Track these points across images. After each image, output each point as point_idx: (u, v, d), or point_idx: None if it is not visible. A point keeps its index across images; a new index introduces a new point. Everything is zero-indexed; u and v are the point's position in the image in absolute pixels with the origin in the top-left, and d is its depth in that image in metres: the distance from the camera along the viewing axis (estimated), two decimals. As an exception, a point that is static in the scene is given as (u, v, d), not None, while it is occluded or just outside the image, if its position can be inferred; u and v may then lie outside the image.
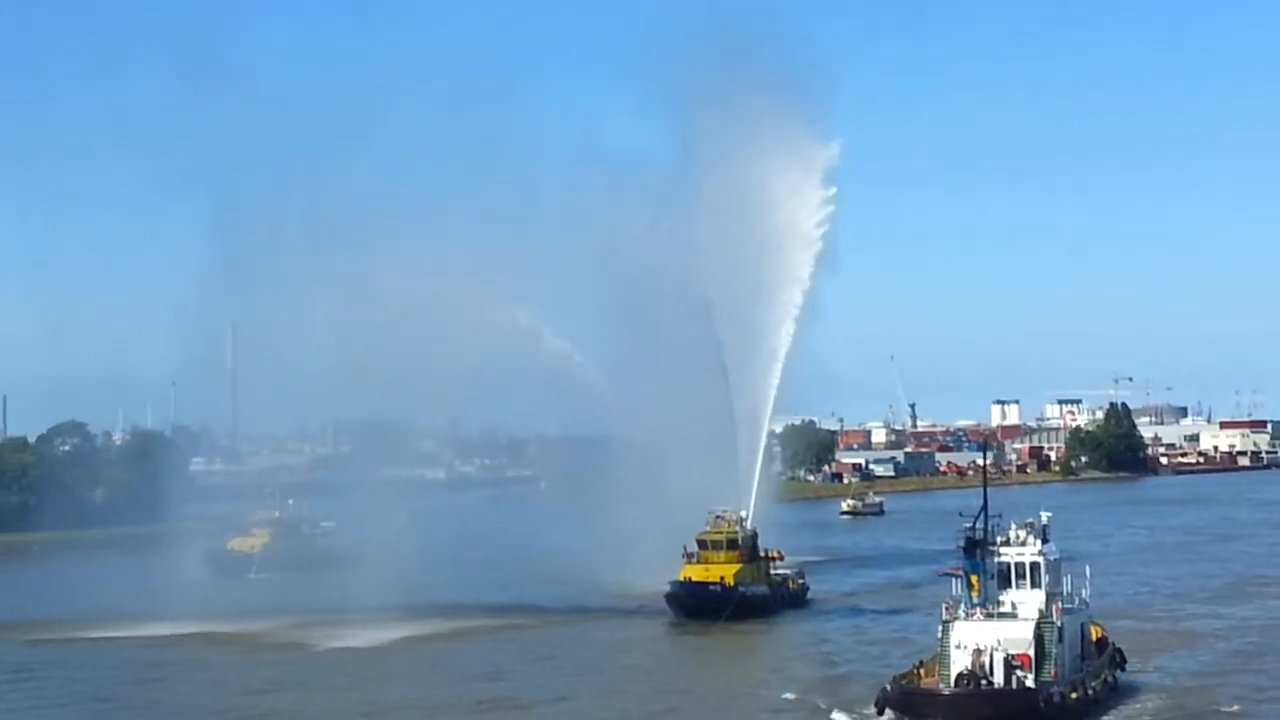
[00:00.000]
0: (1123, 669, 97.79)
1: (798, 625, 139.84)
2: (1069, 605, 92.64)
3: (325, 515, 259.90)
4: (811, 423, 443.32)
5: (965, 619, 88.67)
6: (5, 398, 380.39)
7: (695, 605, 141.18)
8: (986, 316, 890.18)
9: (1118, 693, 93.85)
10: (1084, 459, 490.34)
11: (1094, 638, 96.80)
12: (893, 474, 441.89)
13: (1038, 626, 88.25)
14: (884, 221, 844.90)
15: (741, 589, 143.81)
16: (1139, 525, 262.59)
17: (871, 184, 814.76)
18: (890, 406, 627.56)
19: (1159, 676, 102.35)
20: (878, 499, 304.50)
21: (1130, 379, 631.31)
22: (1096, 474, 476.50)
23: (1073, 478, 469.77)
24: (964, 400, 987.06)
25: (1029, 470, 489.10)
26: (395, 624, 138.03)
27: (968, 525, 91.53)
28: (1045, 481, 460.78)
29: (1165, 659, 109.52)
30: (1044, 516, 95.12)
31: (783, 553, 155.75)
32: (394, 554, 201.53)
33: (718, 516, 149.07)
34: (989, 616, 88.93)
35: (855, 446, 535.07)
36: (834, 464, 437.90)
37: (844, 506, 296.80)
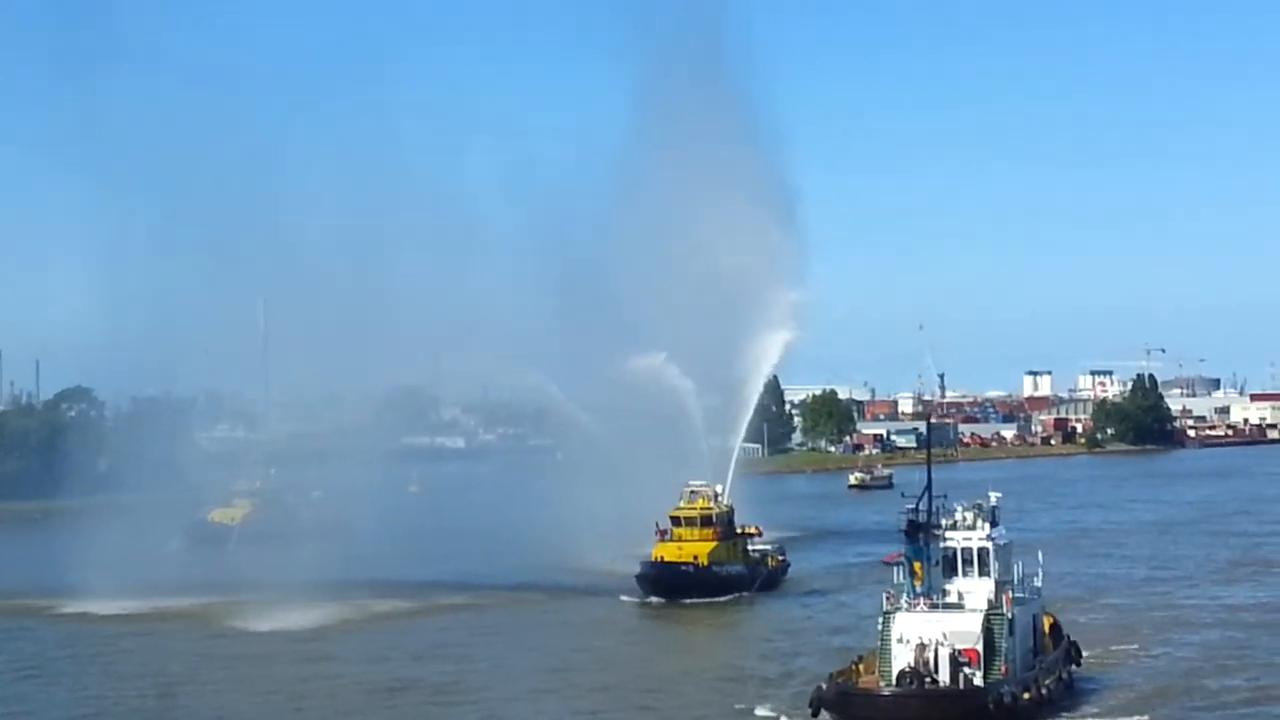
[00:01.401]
0: (1077, 664, 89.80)
1: (771, 606, 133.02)
2: (1020, 594, 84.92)
3: (330, 485, 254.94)
4: (833, 392, 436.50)
5: (907, 610, 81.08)
6: (38, 362, 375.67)
7: (666, 585, 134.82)
8: (1022, 287, 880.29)
9: (1073, 691, 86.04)
10: (1110, 431, 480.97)
11: (1047, 630, 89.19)
12: (914, 445, 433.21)
13: (986, 619, 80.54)
14: (918, 192, 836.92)
15: (716, 568, 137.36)
16: (1152, 500, 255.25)
17: (903, 154, 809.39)
18: (919, 376, 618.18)
19: (1121, 673, 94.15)
20: (887, 472, 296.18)
21: (1163, 350, 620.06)
22: (1123, 446, 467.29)
23: (1098, 450, 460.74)
24: (996, 371, 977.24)
25: (1054, 442, 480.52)
26: (355, 600, 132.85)
27: (909, 506, 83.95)
28: (1070, 454, 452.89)
29: (1130, 651, 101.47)
30: (993, 497, 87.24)
31: (761, 529, 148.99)
32: (379, 527, 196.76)
33: (692, 492, 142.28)
34: (933, 607, 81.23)
35: (881, 417, 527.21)
36: (855, 435, 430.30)
37: (852, 479, 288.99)
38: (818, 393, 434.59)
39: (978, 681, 79.26)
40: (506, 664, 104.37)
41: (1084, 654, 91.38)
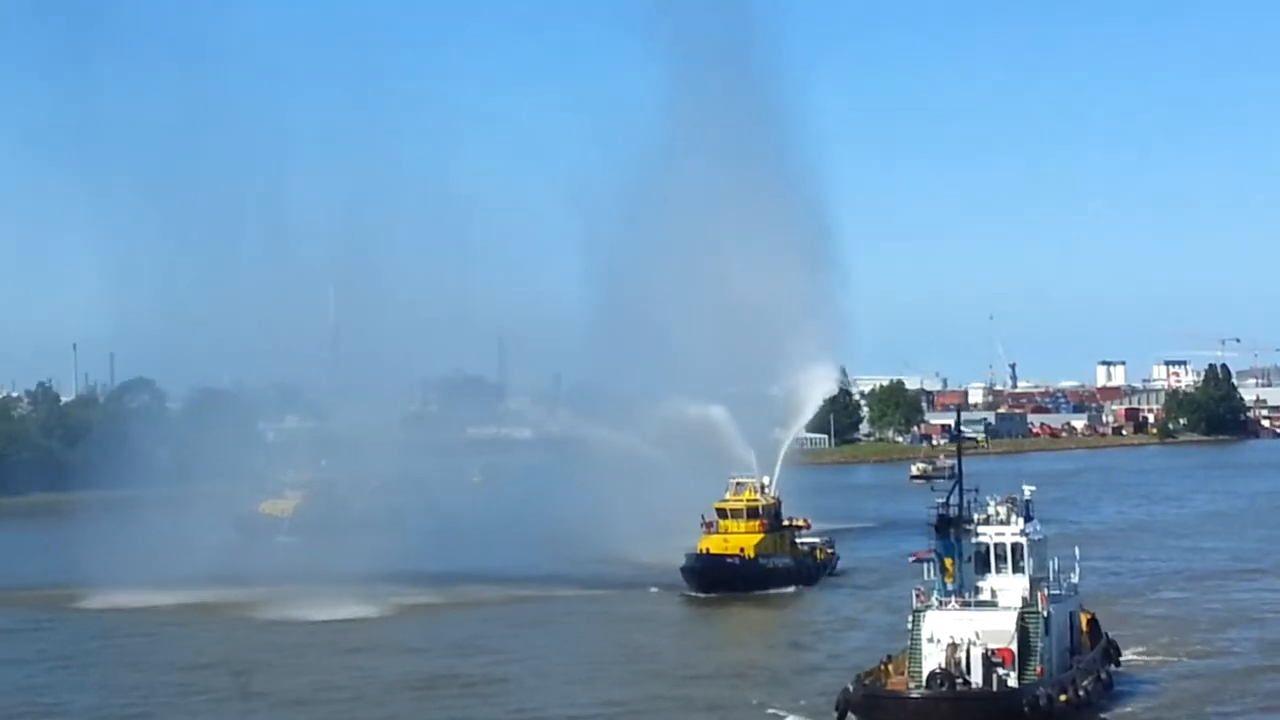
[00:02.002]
0: (1117, 664, 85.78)
1: (818, 599, 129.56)
2: (1056, 591, 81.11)
3: (393, 476, 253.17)
4: (900, 383, 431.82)
5: (938, 608, 77.51)
6: (112, 355, 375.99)
7: (712, 578, 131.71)
8: (1098, 276, 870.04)
9: (1112, 692, 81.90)
10: (1182, 421, 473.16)
11: (1084, 628, 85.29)
12: (983, 435, 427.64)
13: (1021, 617, 76.82)
14: (993, 180, 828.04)
15: (762, 560, 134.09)
16: (1221, 491, 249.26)
17: (978, 141, 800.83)
18: (990, 366, 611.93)
19: (1165, 672, 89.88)
20: (949, 462, 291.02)
21: (1238, 340, 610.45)
22: (1195, 437, 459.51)
23: (1170, 440, 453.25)
24: (1070, 361, 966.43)
25: (1125, 433, 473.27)
26: (397, 593, 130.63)
27: (940, 501, 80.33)
28: (1141, 444, 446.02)
29: (1181, 648, 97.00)
30: (1027, 491, 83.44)
31: (809, 521, 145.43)
32: (432, 519, 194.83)
33: (738, 483, 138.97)
34: (965, 605, 77.47)
35: (952, 407, 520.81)
36: (923, 425, 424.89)
37: (914, 470, 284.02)
38: (886, 383, 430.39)
39: (1012, 683, 75.56)
40: (541, 657, 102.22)
41: (1125, 653, 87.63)
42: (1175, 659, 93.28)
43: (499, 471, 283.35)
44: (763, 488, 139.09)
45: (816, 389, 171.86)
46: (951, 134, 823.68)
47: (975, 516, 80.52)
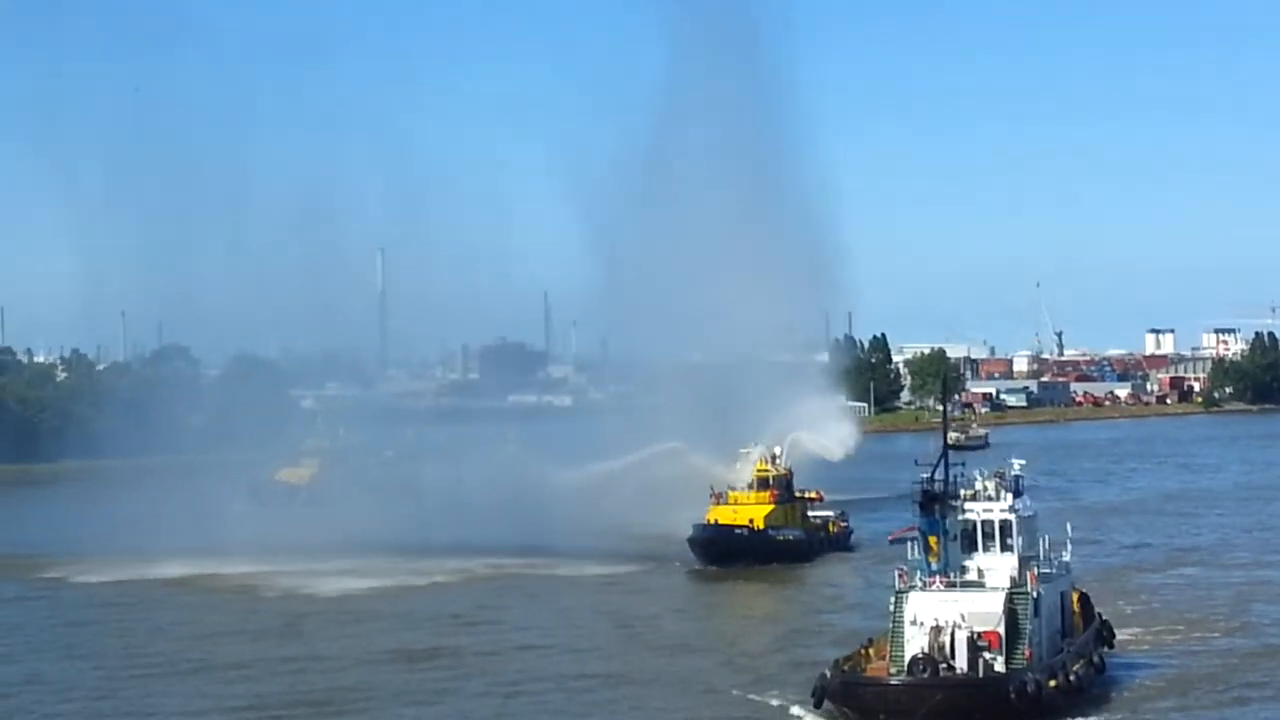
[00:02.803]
0: (1110, 646, 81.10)
1: (827, 573, 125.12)
2: (1046, 570, 76.67)
3: (422, 444, 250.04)
4: (941, 351, 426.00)
5: (922, 589, 73.19)
6: (161, 324, 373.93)
7: (718, 550, 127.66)
8: (1148, 242, 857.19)
9: (1105, 676, 77.32)
10: (1228, 390, 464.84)
11: (1076, 608, 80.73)
12: (1025, 404, 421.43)
13: (1009, 598, 72.36)
14: (1044, 149, 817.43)
15: (772, 532, 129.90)
16: (1261, 462, 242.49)
17: (1025, 105, 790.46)
18: (1036, 334, 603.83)
19: (1163, 654, 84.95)
20: (982, 431, 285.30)
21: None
22: (1240, 406, 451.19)
23: (1215, 410, 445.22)
24: (1119, 329, 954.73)
25: (1169, 401, 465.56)
26: (400, 565, 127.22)
27: (924, 476, 75.86)
28: (1185, 413, 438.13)
29: (1174, 631, 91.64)
30: (1016, 465, 78.96)
31: (822, 493, 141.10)
32: (453, 487, 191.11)
33: (748, 454, 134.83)
34: (950, 586, 73.05)
35: (996, 375, 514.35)
36: (964, 393, 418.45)
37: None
38: (925, 351, 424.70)
39: (999, 668, 71.15)
40: (534, 629, 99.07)
41: (1122, 634, 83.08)
42: (1175, 640, 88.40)
43: (533, 440, 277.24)
44: (774, 458, 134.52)
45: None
46: (999, 99, 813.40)
47: (962, 492, 76.02)
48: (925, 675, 69.74)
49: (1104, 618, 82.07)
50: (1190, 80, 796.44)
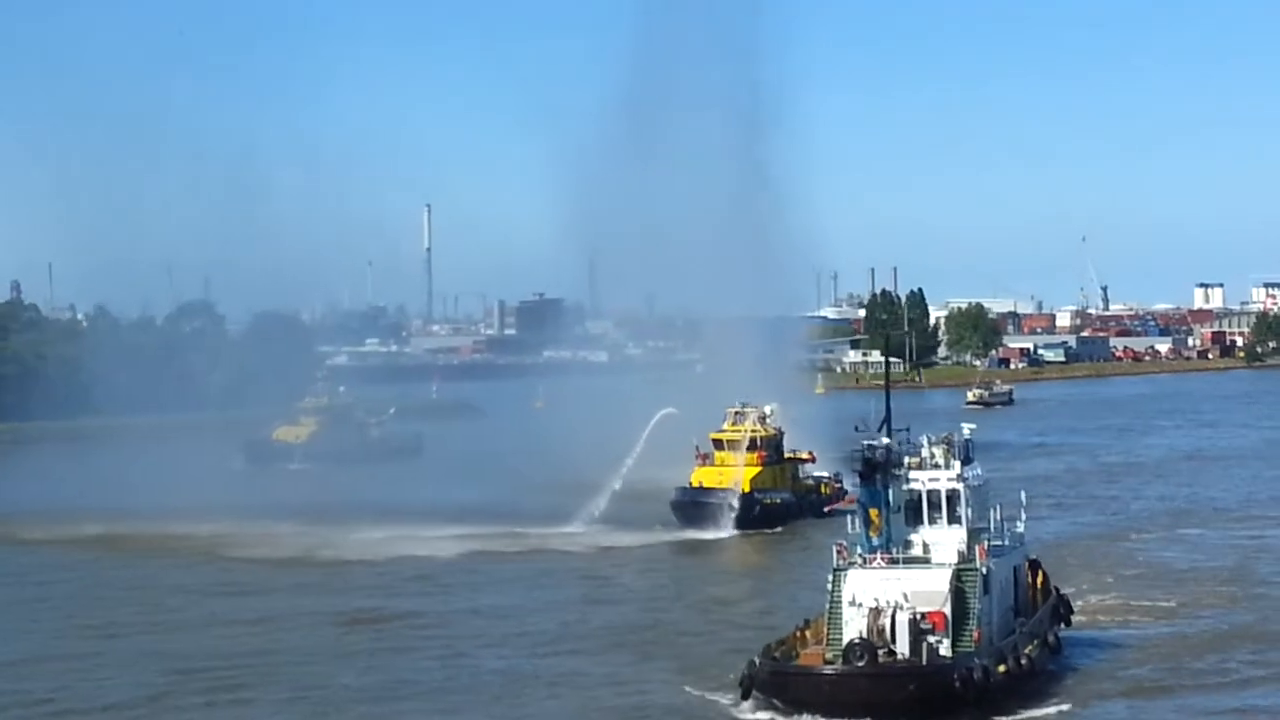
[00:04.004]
0: (1067, 623, 73.75)
1: (817, 538, 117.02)
2: (998, 543, 69.48)
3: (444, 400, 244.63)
4: (979, 306, 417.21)
5: (861, 566, 66.20)
6: (207, 279, 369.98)
7: (700, 514, 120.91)
8: (1198, 196, 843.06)
9: (1059, 659, 69.89)
10: (1271, 345, 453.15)
11: (1035, 583, 73.21)
12: (1063, 359, 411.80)
13: (956, 575, 65.21)
14: (1092, 104, 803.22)
15: (758, 495, 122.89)
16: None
17: (1069, 64, 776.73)
18: (1081, 289, 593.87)
19: (1120, 634, 77.03)
20: (1006, 388, 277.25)
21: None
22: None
23: (1258, 365, 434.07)
24: (1167, 283, 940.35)
25: (1211, 356, 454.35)
26: (379, 527, 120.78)
27: (867, 443, 68.61)
28: (1226, 368, 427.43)
29: (1142, 606, 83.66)
30: (966, 429, 71.55)
31: (814, 454, 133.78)
32: (458, 446, 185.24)
33: (736, 413, 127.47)
34: (892, 563, 66.05)
35: (1039, 330, 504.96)
36: (1001, 349, 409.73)
37: (969, 396, 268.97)
38: (962, 306, 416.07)
39: (945, 651, 63.97)
40: (487, 599, 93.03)
41: (1086, 609, 75.69)
42: (1143, 616, 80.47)
43: (563, 396, 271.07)
44: (763, 418, 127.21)
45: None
46: (1046, 54, 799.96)
47: (906, 460, 68.76)
48: (861, 663, 62.65)
49: (1061, 592, 74.62)
50: (1240, 32, 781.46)
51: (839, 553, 66.77)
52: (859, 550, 66.81)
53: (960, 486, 67.97)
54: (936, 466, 68.52)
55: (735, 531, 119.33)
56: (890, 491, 67.41)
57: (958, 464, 68.61)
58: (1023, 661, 66.08)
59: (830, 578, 66.17)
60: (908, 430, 69.68)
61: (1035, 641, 68.45)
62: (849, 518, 68.27)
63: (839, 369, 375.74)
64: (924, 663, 63.36)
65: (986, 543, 67.84)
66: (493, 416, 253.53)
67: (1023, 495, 74.94)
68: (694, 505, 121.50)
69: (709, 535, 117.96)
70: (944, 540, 67.42)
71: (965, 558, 66.54)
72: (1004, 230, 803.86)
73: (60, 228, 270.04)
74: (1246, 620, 79.23)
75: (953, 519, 67.88)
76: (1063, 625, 73.02)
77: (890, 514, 67.38)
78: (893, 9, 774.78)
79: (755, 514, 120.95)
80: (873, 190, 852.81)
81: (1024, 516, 73.30)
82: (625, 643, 78.91)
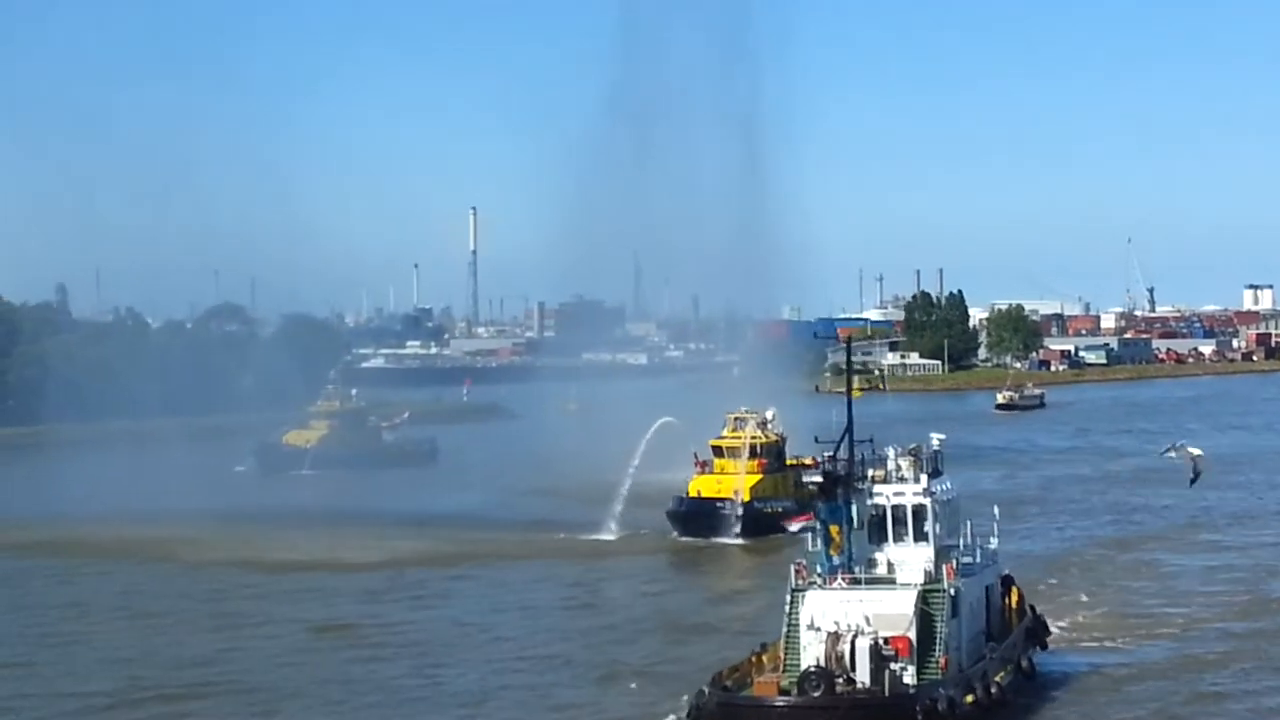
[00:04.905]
0: (1043, 646, 68.54)
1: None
2: (968, 561, 64.26)
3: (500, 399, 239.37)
4: (1019, 307, 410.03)
5: (821, 587, 61.11)
6: (254, 280, 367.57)
7: (699, 523, 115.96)
8: (1247, 198, 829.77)
9: (1033, 686, 64.40)
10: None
11: (1012, 602, 67.68)
12: (1104, 361, 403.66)
13: (922, 596, 60.21)
14: (1143, 103, 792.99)
15: (758, 504, 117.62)
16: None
17: (1113, 64, 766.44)
18: (1127, 290, 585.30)
19: (1101, 657, 71.43)
20: (1038, 391, 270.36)
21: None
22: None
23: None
24: (1217, 285, 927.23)
25: (1255, 359, 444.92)
26: (373, 537, 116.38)
27: (828, 455, 63.47)
28: (1271, 370, 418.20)
29: (1129, 625, 78.10)
30: (935, 440, 66.34)
31: (818, 460, 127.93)
32: (474, 452, 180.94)
33: (737, 419, 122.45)
34: (854, 583, 61.06)
35: (1084, 332, 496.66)
36: (1041, 350, 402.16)
37: (999, 399, 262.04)
38: (1002, 307, 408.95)
39: (909, 679, 58.84)
40: (473, 610, 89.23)
41: (1069, 626, 70.28)
42: (1128, 637, 74.79)
43: (596, 399, 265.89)
44: (764, 423, 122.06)
45: None
46: (1098, 52, 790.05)
47: (870, 473, 63.53)
48: (817, 693, 57.46)
49: (1037, 611, 69.19)
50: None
51: (797, 572, 61.84)
52: (818, 570, 61.67)
53: (927, 501, 62.79)
54: (902, 480, 63.31)
55: (737, 540, 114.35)
56: (852, 507, 62.15)
57: (925, 477, 63.25)
58: (993, 690, 60.84)
59: (787, 599, 61.05)
60: (871, 441, 64.36)
61: (1008, 667, 63.13)
62: (809, 535, 62.78)
63: (877, 371, 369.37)
64: (885, 692, 58.20)
65: (956, 561, 62.63)
66: (522, 419, 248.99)
67: (995, 510, 69.44)
68: (691, 515, 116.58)
69: (710, 542, 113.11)
70: (910, 559, 62.31)
71: (932, 577, 61.49)
72: (1054, 232, 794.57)
73: (107, 231, 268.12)
74: (1245, 642, 73.45)
75: (919, 536, 62.71)
76: (1039, 648, 67.55)
77: (852, 531, 62.18)
78: (941, 5, 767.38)
79: (757, 522, 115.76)
80: (922, 192, 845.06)
81: (997, 531, 67.73)
82: (591, 661, 74.19)
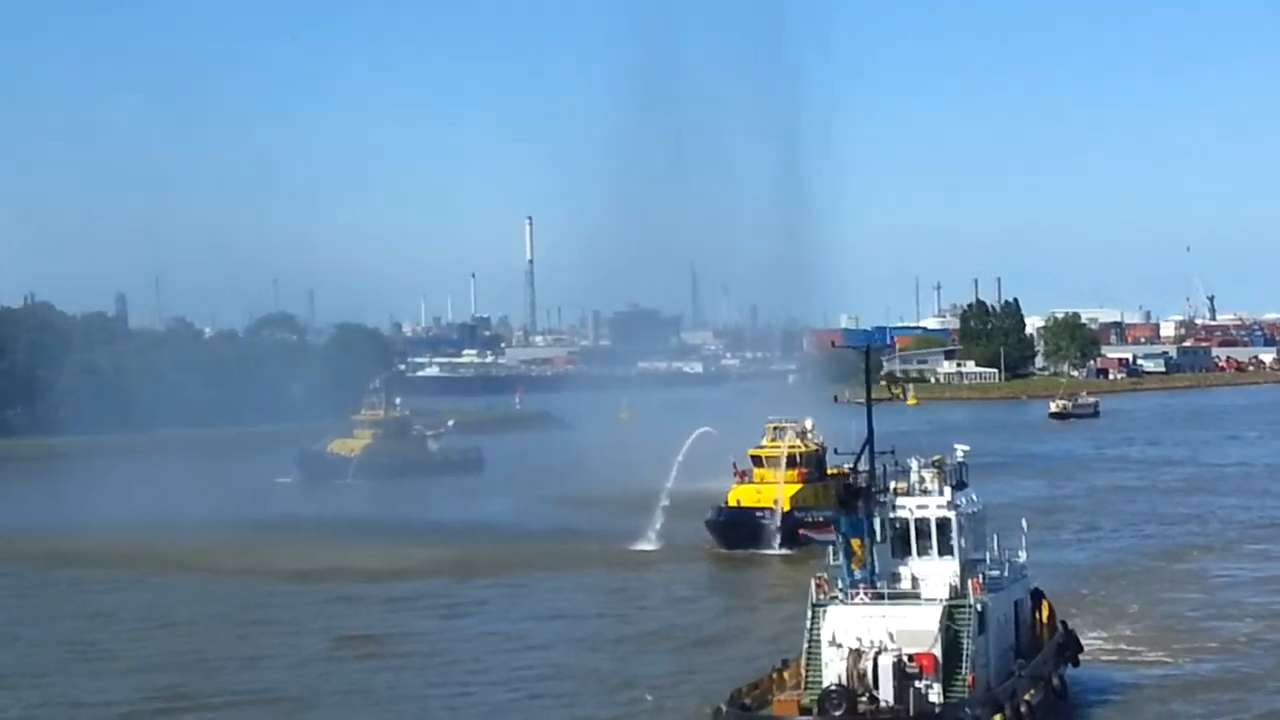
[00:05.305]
0: (1074, 663, 65.65)
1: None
2: (996, 575, 61.72)
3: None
4: (1075, 315, 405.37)
5: (843, 602, 58.72)
6: (312, 291, 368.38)
7: (739, 534, 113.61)
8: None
9: (1064, 705, 61.81)
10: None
11: (1043, 617, 65.09)
12: (1163, 370, 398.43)
13: (947, 612, 57.71)
14: (1193, 111, 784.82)
15: (799, 514, 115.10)
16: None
17: (1173, 73, 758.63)
18: (1188, 299, 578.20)
19: (1138, 674, 68.54)
20: (1091, 399, 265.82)
21: None
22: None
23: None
24: (1278, 293, 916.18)
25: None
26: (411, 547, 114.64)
27: (849, 466, 61.10)
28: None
29: (1169, 641, 75.00)
30: (959, 451, 63.87)
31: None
32: (521, 461, 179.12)
33: (776, 428, 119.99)
34: (877, 598, 58.62)
35: (1143, 340, 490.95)
36: (1099, 359, 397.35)
37: (1052, 407, 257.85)
38: (1060, 316, 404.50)
39: (934, 698, 56.30)
40: (502, 621, 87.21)
41: (1102, 641, 67.50)
42: (1170, 652, 71.87)
43: (650, 408, 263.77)
44: (804, 433, 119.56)
45: None
46: (1150, 58, 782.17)
47: (892, 485, 61.06)
48: (838, 712, 55.09)
49: (1069, 627, 66.38)
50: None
51: (818, 587, 59.31)
52: (840, 584, 59.23)
53: (951, 514, 60.15)
54: (926, 492, 60.72)
55: (778, 550, 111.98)
56: (874, 519, 59.72)
57: (949, 489, 60.72)
58: (1021, 709, 58.17)
59: (809, 614, 58.67)
60: (892, 452, 61.87)
61: (1038, 685, 60.49)
62: (829, 549, 60.42)
63: (932, 379, 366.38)
64: (909, 712, 55.66)
65: (982, 575, 60.07)
66: (573, 429, 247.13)
67: (1024, 522, 66.80)
68: (731, 525, 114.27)
69: (750, 553, 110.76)
70: (934, 573, 59.69)
71: (958, 592, 58.86)
72: (1115, 241, 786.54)
73: (167, 240, 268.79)
74: (1271, 660, 70.51)
75: (944, 550, 60.08)
76: (1070, 665, 64.87)
77: (875, 544, 59.72)
78: (999, 7, 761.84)
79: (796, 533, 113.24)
80: (984, 202, 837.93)
81: (1025, 545, 65.09)
82: (617, 673, 72.31)
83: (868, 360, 64.75)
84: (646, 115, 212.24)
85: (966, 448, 64.00)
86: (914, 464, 61.51)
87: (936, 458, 61.75)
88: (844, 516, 59.82)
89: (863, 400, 62.71)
